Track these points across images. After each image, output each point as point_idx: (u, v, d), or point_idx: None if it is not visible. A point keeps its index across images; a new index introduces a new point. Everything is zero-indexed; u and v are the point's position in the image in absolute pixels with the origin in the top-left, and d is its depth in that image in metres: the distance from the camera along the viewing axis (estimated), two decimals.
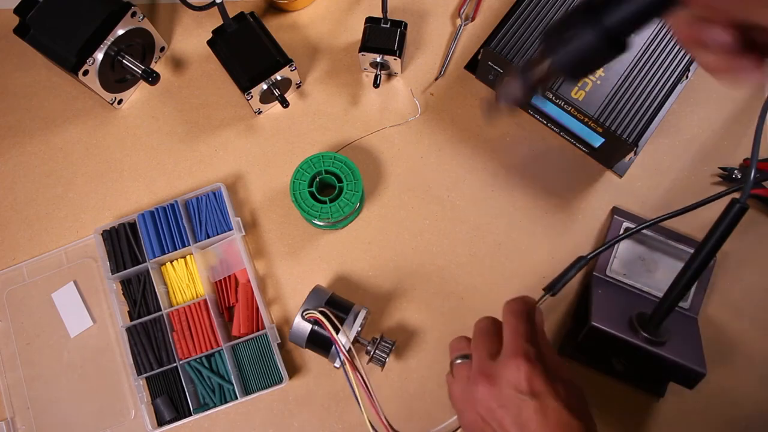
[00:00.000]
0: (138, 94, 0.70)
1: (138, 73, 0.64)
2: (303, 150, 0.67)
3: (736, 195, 0.45)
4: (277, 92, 0.65)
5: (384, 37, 0.64)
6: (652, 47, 0.59)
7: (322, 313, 0.54)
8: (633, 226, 0.61)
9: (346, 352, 0.52)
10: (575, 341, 0.57)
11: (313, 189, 0.61)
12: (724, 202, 0.46)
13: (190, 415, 0.58)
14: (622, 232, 0.61)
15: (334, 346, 0.55)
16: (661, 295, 0.51)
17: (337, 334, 0.53)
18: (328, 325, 0.53)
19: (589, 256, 0.48)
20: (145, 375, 0.60)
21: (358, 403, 0.51)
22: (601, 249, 0.50)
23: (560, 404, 0.36)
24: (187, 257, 0.63)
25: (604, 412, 0.58)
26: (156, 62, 0.71)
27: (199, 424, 0.60)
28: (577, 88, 0.58)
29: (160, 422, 0.59)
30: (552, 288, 0.46)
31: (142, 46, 0.67)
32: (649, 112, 0.57)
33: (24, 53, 0.70)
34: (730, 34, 0.28)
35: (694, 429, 0.58)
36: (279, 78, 0.64)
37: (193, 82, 0.70)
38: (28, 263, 0.65)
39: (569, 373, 0.38)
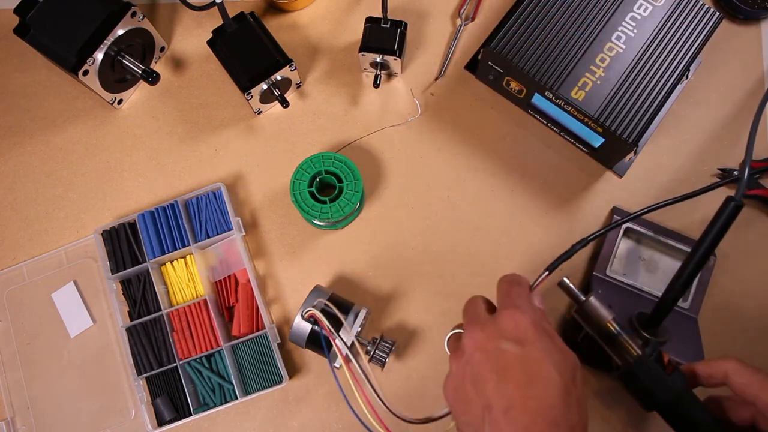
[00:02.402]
0: (138, 94, 0.70)
1: (138, 73, 0.64)
2: (303, 150, 0.67)
3: (731, 190, 0.45)
4: (277, 92, 0.65)
5: (384, 37, 0.64)
6: (653, 47, 0.59)
7: (321, 309, 0.54)
8: (633, 226, 0.61)
9: (347, 350, 0.52)
10: (575, 341, 0.57)
11: (313, 189, 0.61)
12: (721, 197, 0.46)
13: (190, 415, 0.58)
14: (622, 232, 0.61)
15: (334, 346, 0.55)
16: (660, 294, 0.51)
17: (336, 333, 0.53)
18: (325, 323, 0.53)
19: (589, 238, 0.48)
20: (145, 375, 0.60)
21: (349, 406, 0.51)
22: (599, 232, 0.49)
23: (544, 356, 0.35)
24: (187, 257, 0.63)
25: (604, 411, 0.58)
26: (156, 62, 0.71)
27: (199, 424, 0.60)
28: (577, 88, 0.58)
29: (160, 422, 0.59)
30: (550, 268, 0.45)
31: (142, 46, 0.67)
32: (649, 112, 0.57)
33: (24, 53, 0.70)
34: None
35: None
36: (279, 78, 0.64)
37: (193, 82, 0.70)
38: (28, 263, 0.65)
39: (564, 346, 0.37)
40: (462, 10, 0.71)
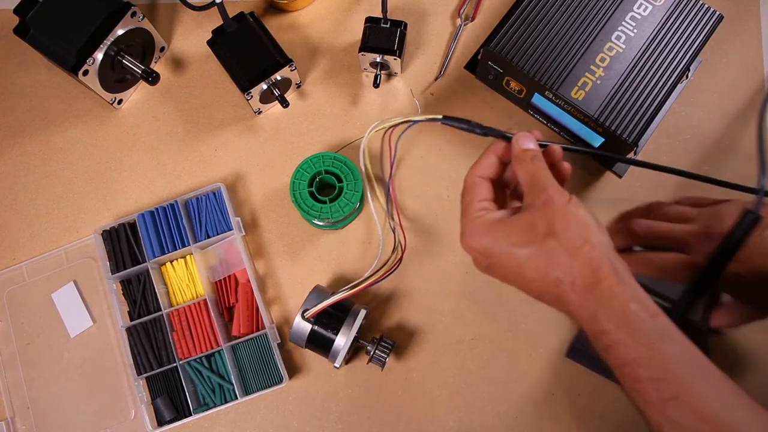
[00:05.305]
0: (138, 94, 0.70)
1: (138, 73, 0.64)
2: (303, 150, 0.67)
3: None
4: (277, 92, 0.65)
5: (384, 37, 0.64)
6: (653, 47, 0.59)
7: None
8: None
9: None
10: (582, 347, 0.56)
11: (313, 189, 0.61)
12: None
13: (190, 415, 0.58)
14: None
15: (334, 345, 0.55)
16: (669, 306, 0.49)
17: (338, 333, 0.53)
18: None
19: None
20: (145, 375, 0.60)
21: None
22: None
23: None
24: (187, 257, 0.63)
25: (608, 418, 0.58)
26: (156, 62, 0.71)
27: (199, 424, 0.60)
28: (576, 87, 0.58)
29: (160, 422, 0.59)
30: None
31: (142, 46, 0.67)
32: (649, 112, 0.57)
33: (24, 53, 0.70)
34: None
35: None
36: (279, 78, 0.64)
37: (193, 82, 0.70)
38: (28, 263, 0.65)
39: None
40: (462, 10, 0.71)
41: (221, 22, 0.64)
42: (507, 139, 0.43)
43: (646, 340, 0.34)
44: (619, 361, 0.35)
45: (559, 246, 0.37)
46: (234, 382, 0.58)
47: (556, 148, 0.43)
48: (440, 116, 0.45)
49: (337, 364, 0.55)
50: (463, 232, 0.41)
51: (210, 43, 0.65)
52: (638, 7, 0.60)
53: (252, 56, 0.64)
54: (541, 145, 0.43)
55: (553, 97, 0.59)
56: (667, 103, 0.60)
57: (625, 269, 0.37)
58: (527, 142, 0.42)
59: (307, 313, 0.55)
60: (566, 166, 0.44)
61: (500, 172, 0.44)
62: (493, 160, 0.43)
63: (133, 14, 0.63)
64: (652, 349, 0.34)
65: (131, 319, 0.62)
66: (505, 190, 0.46)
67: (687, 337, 0.35)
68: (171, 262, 0.63)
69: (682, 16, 0.60)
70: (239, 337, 0.61)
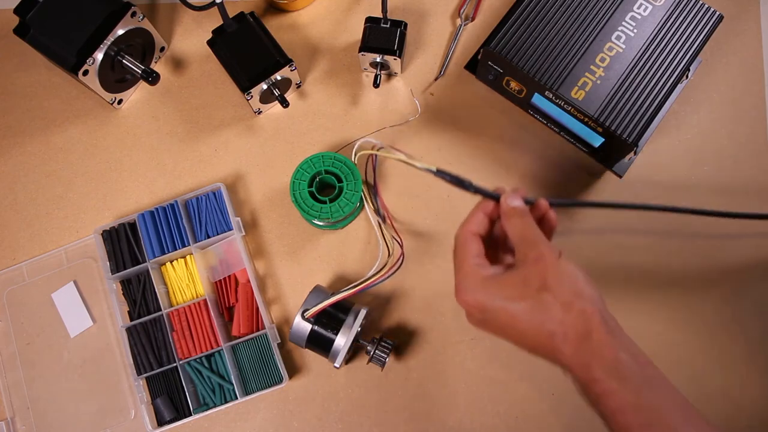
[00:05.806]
0: (138, 94, 0.70)
1: (138, 73, 0.64)
2: (303, 150, 0.67)
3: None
4: (277, 92, 0.65)
5: (384, 37, 0.64)
6: (652, 47, 0.59)
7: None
8: None
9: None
10: None
11: (313, 189, 0.61)
12: None
13: (190, 415, 0.58)
14: None
15: (334, 345, 0.55)
16: None
17: (337, 334, 0.53)
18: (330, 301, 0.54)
19: None
20: (145, 375, 0.60)
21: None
22: None
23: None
24: (187, 257, 0.63)
25: None
26: (156, 62, 0.71)
27: (199, 424, 0.60)
28: (577, 87, 0.58)
29: (160, 422, 0.59)
30: None
31: (142, 46, 0.67)
32: (649, 112, 0.57)
33: (24, 53, 0.70)
34: None
35: None
36: (279, 78, 0.64)
37: (193, 82, 0.70)
38: (28, 263, 0.65)
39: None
40: (462, 10, 0.71)
41: (221, 22, 0.64)
42: (495, 198, 0.45)
43: (635, 388, 0.36)
44: (611, 409, 0.36)
45: (553, 300, 0.38)
46: (234, 382, 0.58)
47: (543, 202, 0.45)
48: (434, 168, 0.46)
49: (337, 364, 0.55)
50: (458, 287, 0.42)
51: (210, 43, 0.65)
52: (638, 7, 0.60)
53: (252, 56, 0.64)
54: (527, 202, 0.44)
55: (553, 97, 0.59)
56: (667, 103, 0.60)
57: (613, 321, 0.39)
58: (514, 200, 0.44)
59: (307, 313, 0.55)
60: (552, 216, 0.45)
61: (489, 229, 0.46)
62: (481, 217, 0.45)
63: (133, 14, 0.63)
64: (641, 397, 0.36)
65: (131, 319, 0.62)
66: (495, 246, 0.47)
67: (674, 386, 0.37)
68: (171, 262, 0.63)
69: (682, 16, 0.60)
70: (239, 337, 0.61)
